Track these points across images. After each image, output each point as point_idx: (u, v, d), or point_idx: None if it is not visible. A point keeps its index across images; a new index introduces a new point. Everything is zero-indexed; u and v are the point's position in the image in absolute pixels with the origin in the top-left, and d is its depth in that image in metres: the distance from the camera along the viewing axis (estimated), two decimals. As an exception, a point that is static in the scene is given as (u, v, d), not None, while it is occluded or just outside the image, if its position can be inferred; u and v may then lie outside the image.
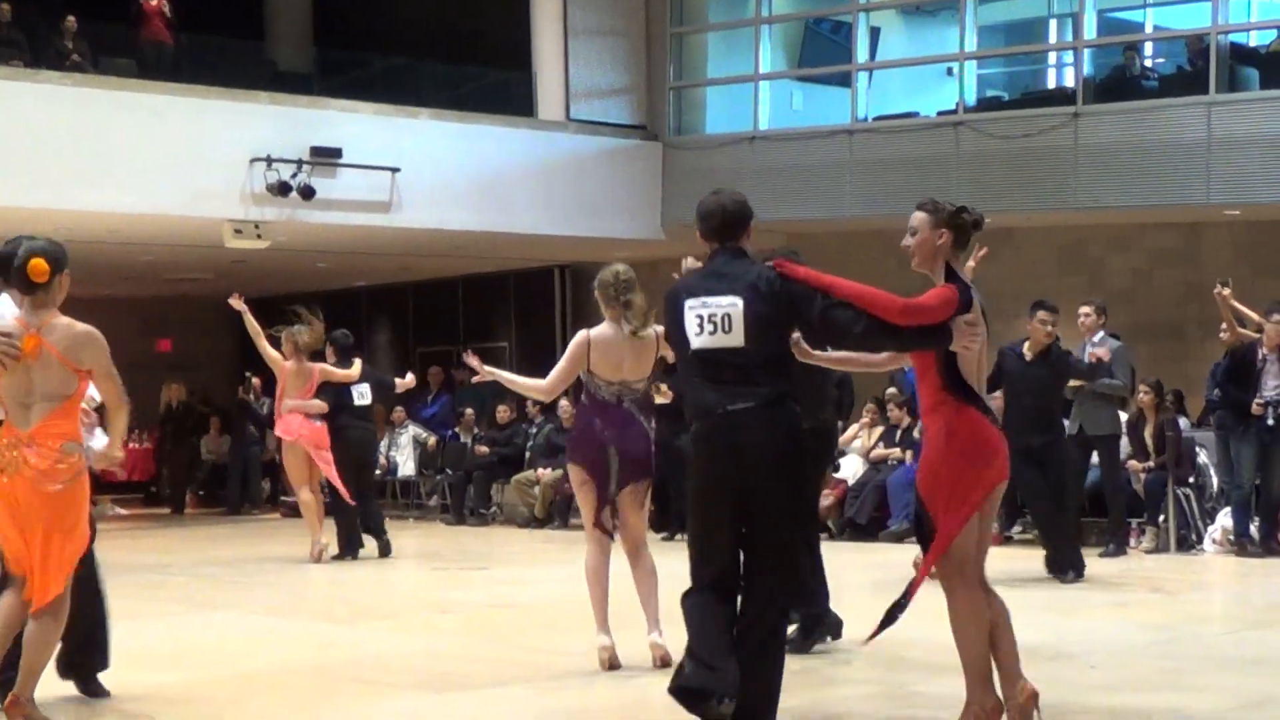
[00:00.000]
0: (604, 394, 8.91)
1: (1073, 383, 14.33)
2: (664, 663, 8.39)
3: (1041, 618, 11.08)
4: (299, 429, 15.74)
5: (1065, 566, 12.97)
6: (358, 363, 16.52)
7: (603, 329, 8.96)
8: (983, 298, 6.85)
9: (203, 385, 26.79)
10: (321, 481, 16.22)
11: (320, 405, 15.87)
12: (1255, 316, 15.32)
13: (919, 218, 6.94)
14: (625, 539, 9.07)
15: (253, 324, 16.03)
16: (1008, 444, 6.82)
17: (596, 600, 9.00)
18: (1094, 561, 14.58)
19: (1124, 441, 16.04)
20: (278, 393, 16.11)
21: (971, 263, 8.68)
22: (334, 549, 15.87)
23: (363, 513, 16.16)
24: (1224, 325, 15.86)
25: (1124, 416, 15.81)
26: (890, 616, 6.93)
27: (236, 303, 16.12)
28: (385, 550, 16.17)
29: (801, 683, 8.08)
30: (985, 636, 6.76)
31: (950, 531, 6.68)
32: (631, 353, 8.90)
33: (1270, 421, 14.70)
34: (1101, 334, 14.96)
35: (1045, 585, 12.46)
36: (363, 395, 16.51)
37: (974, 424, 6.77)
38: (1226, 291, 15.41)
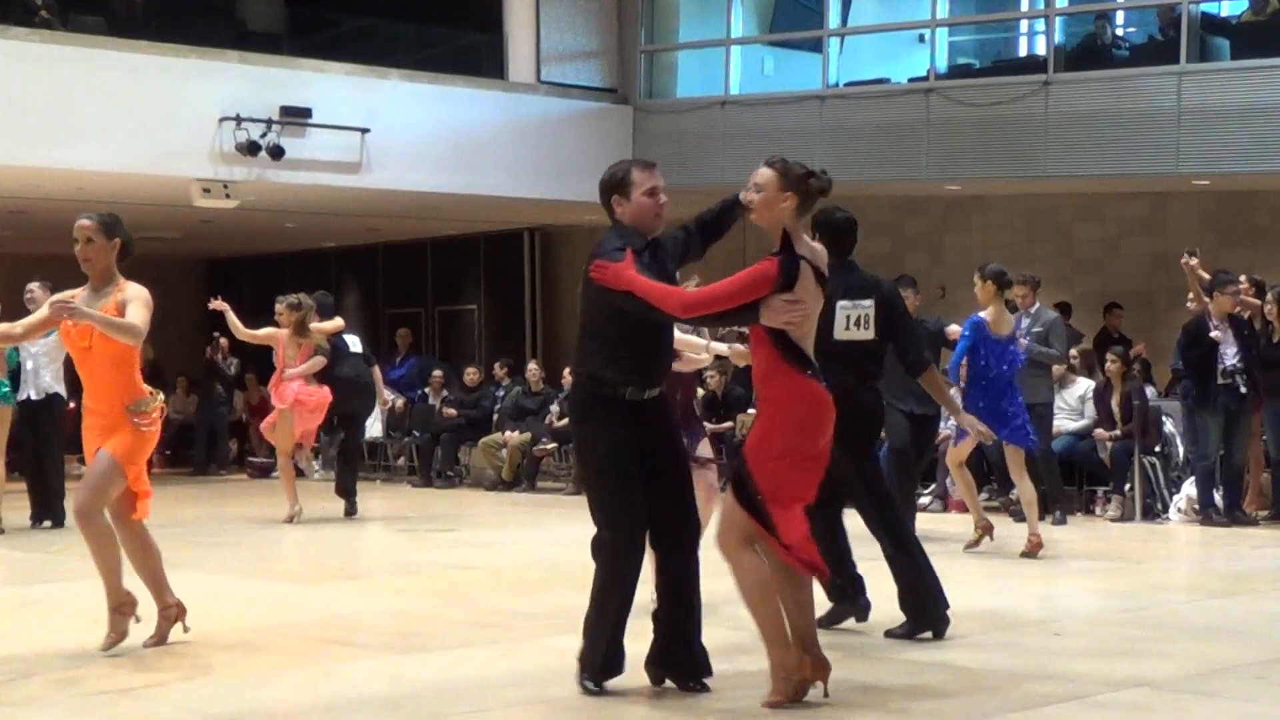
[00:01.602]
0: None
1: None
2: None
3: (1006, 584, 11.16)
4: (299, 394, 15.81)
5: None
6: (338, 317, 16.70)
7: None
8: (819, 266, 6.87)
9: (170, 345, 26.74)
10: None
11: (320, 361, 15.96)
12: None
13: (766, 175, 6.90)
14: None
15: (235, 323, 16.08)
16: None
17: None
18: (1058, 529, 14.69)
19: (1090, 409, 16.19)
20: (277, 363, 16.08)
21: None
22: (308, 513, 15.96)
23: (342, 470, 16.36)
24: (1190, 295, 15.93)
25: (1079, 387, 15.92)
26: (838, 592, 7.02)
27: (217, 305, 16.09)
28: (351, 511, 16.25)
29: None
30: (774, 598, 6.80)
31: (795, 498, 6.76)
32: None
33: (1242, 390, 14.77)
34: (1038, 305, 15.09)
35: (1010, 553, 12.50)
36: (355, 343, 16.69)
37: (807, 393, 6.80)
38: (1194, 261, 15.47)
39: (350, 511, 16.28)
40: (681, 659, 7.23)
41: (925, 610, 8.65)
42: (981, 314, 12.50)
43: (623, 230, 7.25)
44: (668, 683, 7.24)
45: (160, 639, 8.51)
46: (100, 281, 8.24)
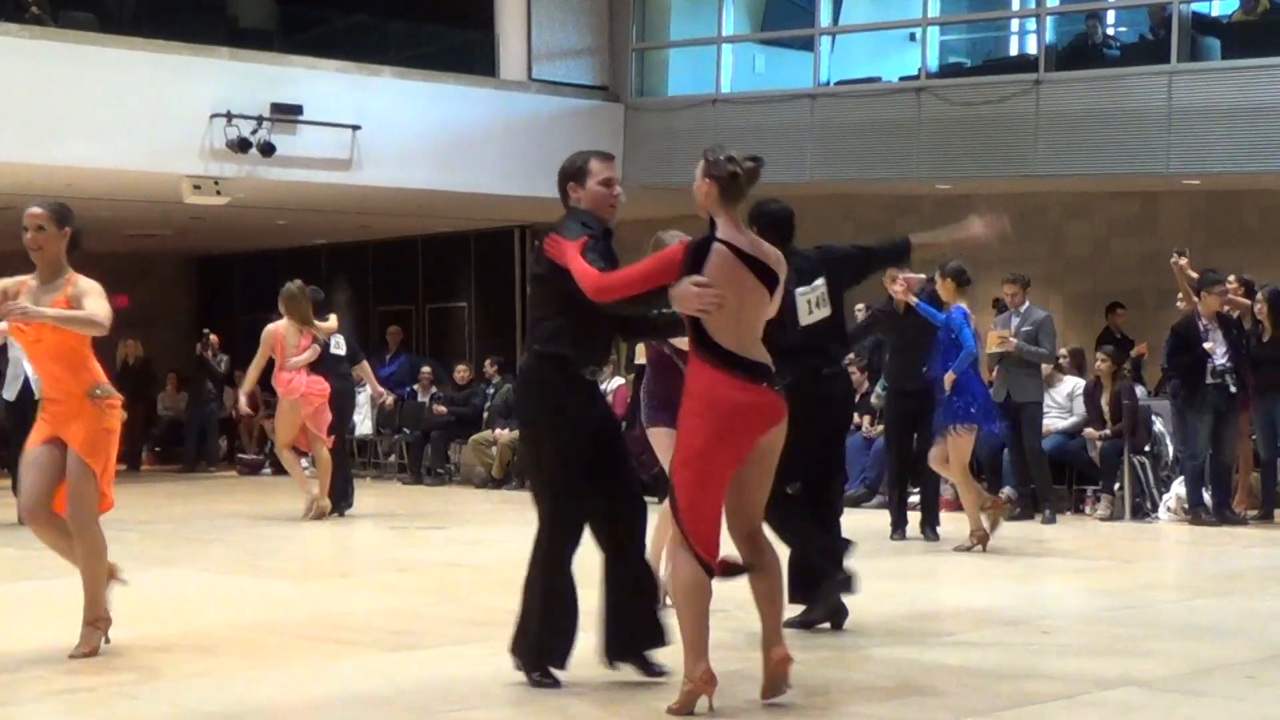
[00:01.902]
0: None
1: (994, 349, 14.80)
2: None
3: (997, 583, 11.17)
4: (304, 386, 15.79)
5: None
6: (333, 316, 16.66)
7: None
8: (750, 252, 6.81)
9: (160, 342, 26.72)
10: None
11: (315, 349, 15.90)
12: None
13: (699, 163, 6.92)
14: None
15: (251, 380, 16.23)
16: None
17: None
18: (1048, 528, 14.72)
19: (1079, 407, 16.22)
20: (278, 358, 16.00)
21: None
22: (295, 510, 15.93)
23: None
24: (1180, 294, 15.96)
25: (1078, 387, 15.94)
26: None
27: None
28: (341, 510, 16.25)
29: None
30: (699, 607, 6.68)
31: (694, 509, 6.65)
32: None
33: (1232, 389, 14.78)
34: (1028, 304, 15.15)
35: (1001, 551, 12.52)
36: (339, 345, 16.61)
37: (714, 385, 6.66)
38: (1184, 261, 15.52)
39: (339, 511, 16.23)
40: (649, 636, 7.34)
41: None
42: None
43: (582, 216, 7.31)
44: (626, 669, 7.34)
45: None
46: (49, 272, 8.17)
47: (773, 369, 6.79)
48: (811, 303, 8.77)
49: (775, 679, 6.85)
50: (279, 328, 15.83)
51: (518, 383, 7.50)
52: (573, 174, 7.43)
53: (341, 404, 16.66)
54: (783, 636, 6.88)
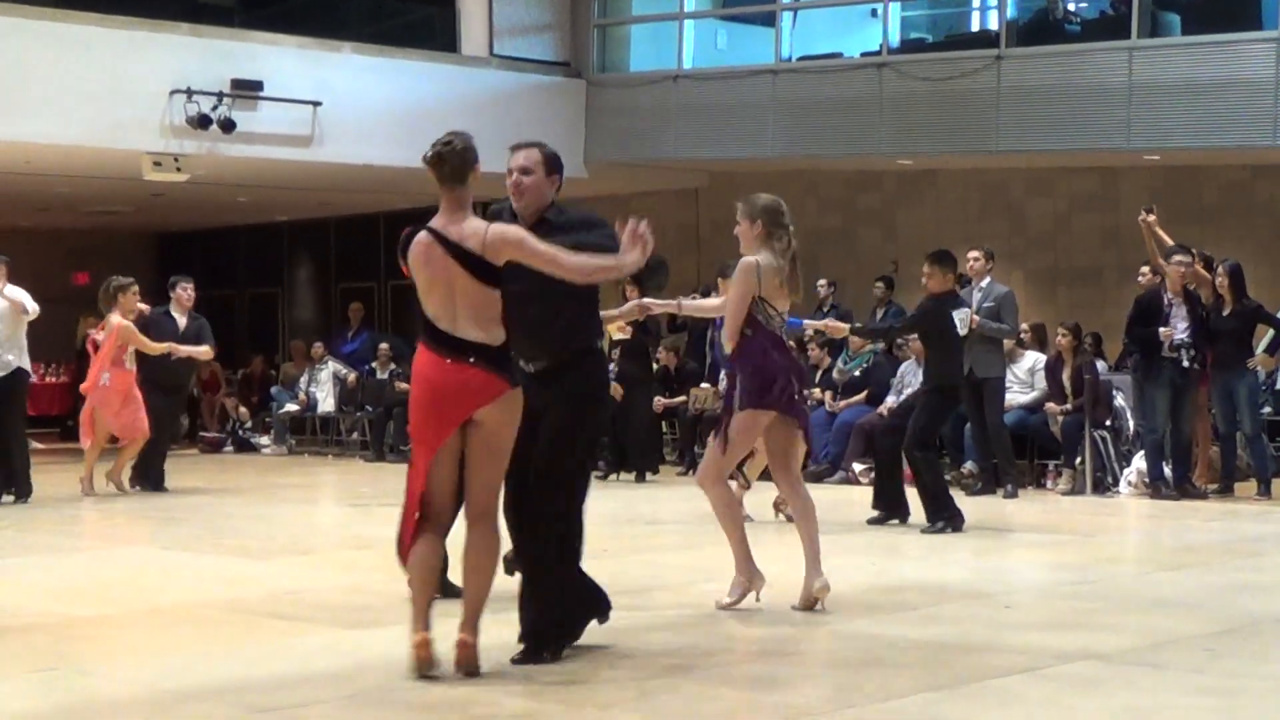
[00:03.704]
0: (774, 324, 8.60)
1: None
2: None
3: (958, 557, 11.20)
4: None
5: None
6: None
7: (769, 257, 8.58)
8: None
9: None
10: None
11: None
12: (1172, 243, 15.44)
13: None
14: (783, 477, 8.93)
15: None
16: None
17: (739, 542, 8.76)
18: (1010, 503, 14.77)
19: (1040, 381, 16.25)
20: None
21: None
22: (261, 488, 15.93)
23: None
24: (1142, 270, 16.02)
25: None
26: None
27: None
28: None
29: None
30: (426, 583, 7.06)
31: (411, 473, 7.07)
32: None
33: (1185, 364, 14.83)
34: (989, 280, 15.15)
35: (964, 527, 12.54)
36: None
37: (423, 363, 7.01)
38: (1152, 218, 15.58)
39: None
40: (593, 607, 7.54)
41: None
42: None
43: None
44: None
45: None
46: None
47: (495, 349, 6.94)
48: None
49: (460, 661, 7.03)
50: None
51: (573, 360, 7.42)
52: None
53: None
54: (477, 623, 7.04)
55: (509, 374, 6.94)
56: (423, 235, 7.11)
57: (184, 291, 16.89)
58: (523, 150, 7.65)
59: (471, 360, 6.87)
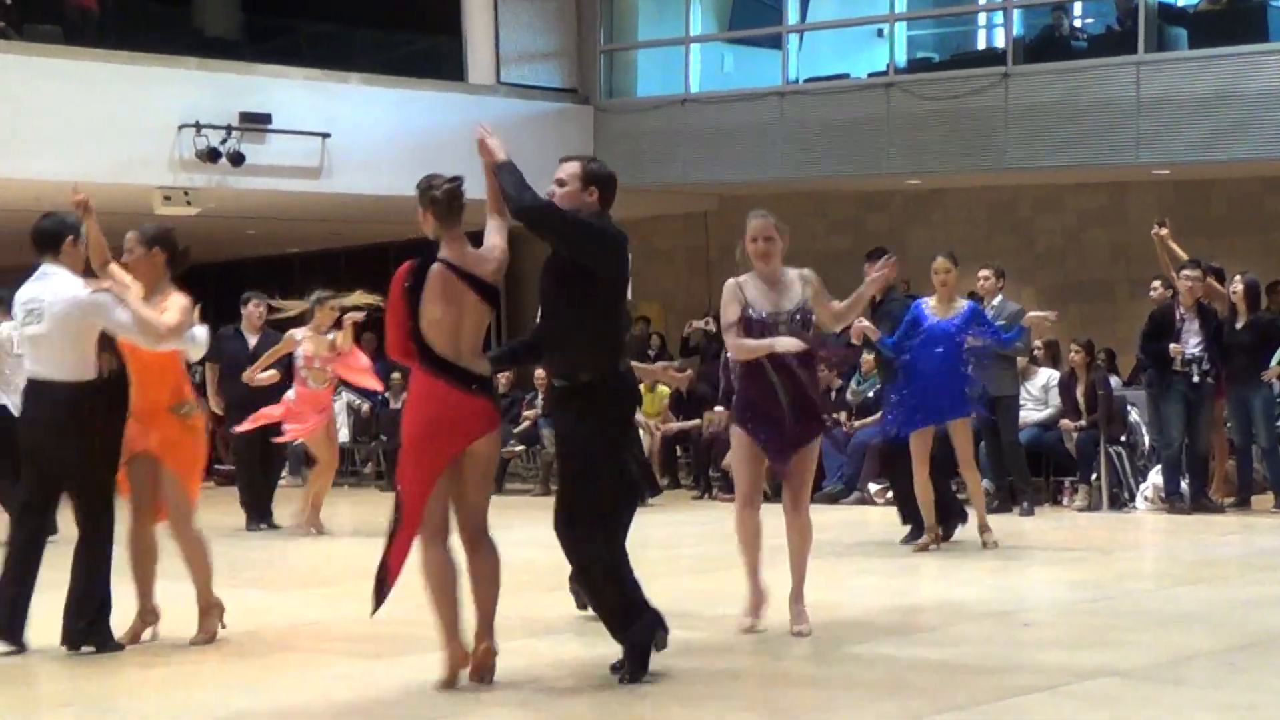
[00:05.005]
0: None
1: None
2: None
3: (976, 575, 11.18)
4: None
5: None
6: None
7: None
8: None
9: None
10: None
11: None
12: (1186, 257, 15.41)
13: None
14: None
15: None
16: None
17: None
18: (1026, 521, 14.74)
19: (1054, 398, 16.22)
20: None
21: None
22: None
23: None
24: (1154, 285, 16.00)
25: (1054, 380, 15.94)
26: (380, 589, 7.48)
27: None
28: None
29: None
30: (447, 591, 7.31)
31: (411, 493, 7.23)
32: None
33: (1195, 379, 14.81)
34: (1000, 297, 15.12)
35: (980, 545, 12.52)
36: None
37: (431, 392, 7.18)
38: (1164, 231, 15.57)
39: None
40: None
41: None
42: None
43: None
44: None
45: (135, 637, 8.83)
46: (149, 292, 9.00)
47: (488, 380, 7.30)
48: None
49: (479, 669, 7.30)
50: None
51: (615, 381, 7.43)
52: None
53: None
54: (493, 630, 7.33)
55: (499, 404, 7.33)
56: (438, 267, 7.38)
57: (255, 309, 16.01)
58: (566, 162, 7.98)
59: (474, 388, 7.19)
